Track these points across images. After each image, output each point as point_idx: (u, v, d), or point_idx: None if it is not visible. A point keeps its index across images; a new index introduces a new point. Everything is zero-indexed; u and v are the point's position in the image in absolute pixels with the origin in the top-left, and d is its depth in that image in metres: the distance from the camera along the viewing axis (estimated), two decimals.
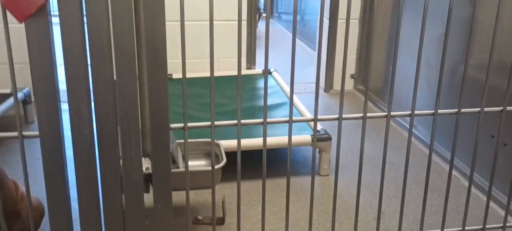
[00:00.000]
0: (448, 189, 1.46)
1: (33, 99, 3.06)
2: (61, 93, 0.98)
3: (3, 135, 1.01)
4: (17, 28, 1.75)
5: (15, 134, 1.00)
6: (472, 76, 2.41)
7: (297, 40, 5.71)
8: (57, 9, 0.93)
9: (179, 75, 3.44)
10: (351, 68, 3.83)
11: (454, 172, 2.59)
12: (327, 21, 3.71)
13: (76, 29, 0.94)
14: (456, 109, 1.30)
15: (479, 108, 1.32)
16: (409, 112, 1.29)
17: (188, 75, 3.39)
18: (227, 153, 2.21)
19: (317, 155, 2.59)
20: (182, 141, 2.22)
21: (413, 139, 2.99)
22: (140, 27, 1.11)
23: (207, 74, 3.40)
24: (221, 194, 2.26)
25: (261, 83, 3.45)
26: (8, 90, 2.90)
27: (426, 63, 2.86)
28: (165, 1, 0.99)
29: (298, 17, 5.83)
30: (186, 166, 1.12)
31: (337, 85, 3.84)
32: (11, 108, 2.74)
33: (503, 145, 2.21)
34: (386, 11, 3.41)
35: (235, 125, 1.13)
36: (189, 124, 1.07)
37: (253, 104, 3.05)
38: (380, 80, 3.57)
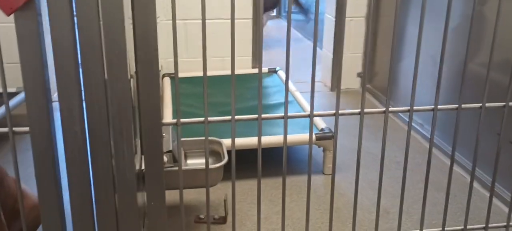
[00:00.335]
0: (449, 184, 1.44)
1: None
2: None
3: None
4: None
5: (5, 129, 0.99)
6: (480, 73, 2.37)
7: (304, 39, 5.69)
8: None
9: (184, 74, 3.43)
10: (357, 67, 3.80)
11: (460, 171, 2.55)
12: (333, 19, 3.68)
13: (65, 25, 0.92)
14: (456, 105, 1.27)
15: (481, 104, 1.29)
16: (408, 107, 1.26)
17: (191, 74, 3.38)
18: (229, 152, 2.20)
19: (321, 153, 2.57)
20: (186, 139, 2.23)
21: (419, 137, 2.95)
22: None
23: (211, 73, 3.39)
24: (223, 193, 2.25)
25: (266, 82, 3.43)
26: (13, 89, 2.92)
27: (434, 62, 2.83)
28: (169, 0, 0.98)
29: (306, 17, 5.81)
30: (180, 163, 1.10)
31: (344, 84, 3.81)
32: (16, 107, 2.76)
33: (509, 143, 2.18)
34: (393, 8, 3.37)
35: (229, 120, 1.11)
36: (182, 120, 1.06)
37: (255, 103, 3.03)
38: (387, 79, 3.53)
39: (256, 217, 2.14)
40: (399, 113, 1.80)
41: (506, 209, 2.20)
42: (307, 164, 2.59)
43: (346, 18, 3.63)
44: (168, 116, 2.71)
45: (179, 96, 3.02)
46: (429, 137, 2.82)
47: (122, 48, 0.96)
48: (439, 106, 1.24)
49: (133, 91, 2.95)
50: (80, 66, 0.96)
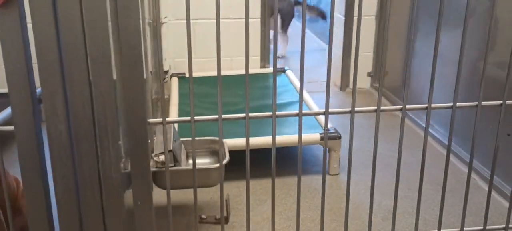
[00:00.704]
0: (444, 186, 1.40)
1: None
2: None
3: None
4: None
5: None
6: (494, 74, 2.32)
7: (314, 37, 5.65)
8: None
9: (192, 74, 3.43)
10: (367, 66, 3.76)
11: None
12: (342, 18, 3.65)
13: (47, 24, 0.92)
14: (476, 103, 1.21)
15: (501, 102, 1.23)
16: (426, 105, 1.21)
17: (198, 74, 3.38)
18: (233, 151, 2.19)
19: (327, 153, 2.53)
20: (188, 139, 2.23)
21: (429, 138, 2.90)
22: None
23: (215, 73, 3.38)
24: (225, 193, 2.23)
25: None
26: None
27: (449, 62, 2.78)
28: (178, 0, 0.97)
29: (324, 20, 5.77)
30: (167, 163, 1.09)
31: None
32: None
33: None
34: (404, 7, 3.33)
35: (216, 119, 1.10)
36: (168, 119, 1.05)
37: (263, 102, 3.01)
38: (397, 79, 3.49)
39: (259, 217, 2.13)
40: (408, 112, 1.76)
41: None
42: (313, 164, 2.58)
43: (356, 17, 3.59)
44: (173, 116, 2.71)
45: (184, 96, 3.02)
46: (440, 138, 2.79)
47: (106, 47, 0.95)
48: (458, 104, 1.18)
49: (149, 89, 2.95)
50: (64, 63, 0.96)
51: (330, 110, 1.17)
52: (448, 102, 1.23)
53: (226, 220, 2.09)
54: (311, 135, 2.42)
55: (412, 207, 2.21)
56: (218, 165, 1.97)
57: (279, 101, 3.04)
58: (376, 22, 3.64)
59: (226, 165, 1.99)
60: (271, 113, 1.12)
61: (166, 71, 3.51)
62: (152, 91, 3.00)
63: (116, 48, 0.99)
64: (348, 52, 3.71)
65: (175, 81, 3.32)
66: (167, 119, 1.03)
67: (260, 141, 2.34)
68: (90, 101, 0.98)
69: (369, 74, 3.78)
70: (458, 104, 1.19)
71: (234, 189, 2.33)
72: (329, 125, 2.53)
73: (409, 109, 1.20)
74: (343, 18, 3.64)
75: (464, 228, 1.35)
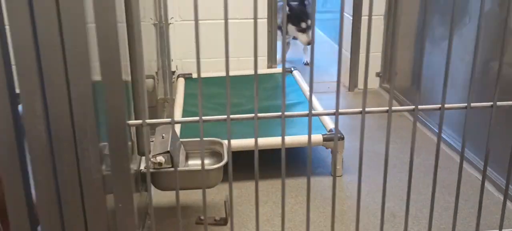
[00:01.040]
0: (457, 193, 1.37)
1: None
2: None
3: None
4: None
5: None
6: (504, 73, 2.27)
7: (323, 35, 5.61)
8: None
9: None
10: (376, 66, 3.71)
11: (475, 173, 2.45)
12: (350, 18, 3.61)
13: (24, 25, 0.92)
14: (491, 103, 1.17)
15: (491, 103, 1.19)
16: (439, 106, 1.17)
17: (204, 74, 3.38)
18: (235, 152, 2.17)
19: (330, 155, 2.51)
20: (188, 139, 2.22)
21: (435, 138, 2.85)
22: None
23: (224, 73, 3.37)
24: (224, 194, 2.22)
25: (280, 82, 3.39)
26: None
27: (457, 61, 2.73)
28: (188, 0, 0.96)
29: (330, 16, 5.73)
30: (148, 165, 1.08)
31: (361, 84, 3.73)
32: None
33: None
34: (413, 6, 3.28)
35: (197, 121, 1.08)
36: (148, 120, 1.04)
37: (270, 103, 2.99)
38: (406, 79, 3.44)
39: (259, 219, 2.11)
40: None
41: None
42: (315, 166, 2.55)
43: (363, 17, 3.55)
44: (177, 117, 2.70)
45: (189, 97, 3.02)
46: (447, 139, 2.73)
47: (84, 48, 0.94)
48: (472, 104, 1.14)
49: (155, 90, 2.94)
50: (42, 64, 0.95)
51: (340, 110, 1.13)
52: (456, 103, 1.18)
53: (225, 221, 2.08)
54: (314, 136, 2.39)
55: (417, 209, 2.17)
56: (216, 166, 1.96)
57: (285, 101, 3.02)
58: (384, 22, 3.59)
59: (225, 166, 1.98)
60: (280, 113, 1.10)
61: (173, 72, 3.52)
62: (157, 92, 3.00)
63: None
64: (356, 52, 3.67)
65: (181, 82, 3.32)
66: (146, 120, 1.02)
67: (262, 142, 2.32)
68: (68, 102, 0.97)
69: (377, 74, 3.72)
70: (472, 104, 1.14)
71: (235, 190, 2.31)
72: (332, 126, 2.50)
73: (422, 110, 1.16)
74: (351, 18, 3.60)
75: None
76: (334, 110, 1.14)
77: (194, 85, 3.29)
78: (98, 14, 0.94)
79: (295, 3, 4.25)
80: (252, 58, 3.54)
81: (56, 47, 0.94)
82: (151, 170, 1.91)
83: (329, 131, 2.47)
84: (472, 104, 1.14)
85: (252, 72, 3.47)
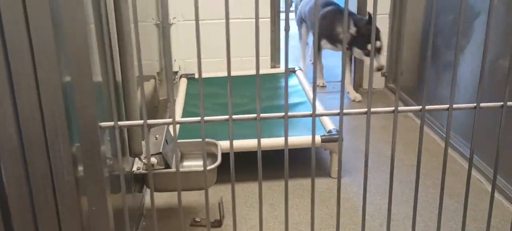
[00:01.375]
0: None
1: None
2: None
3: None
4: None
5: None
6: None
7: None
8: None
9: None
10: None
11: (477, 175, 2.40)
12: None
13: None
14: (501, 103, 1.12)
15: (502, 103, 1.13)
16: (447, 106, 1.12)
17: (207, 75, 3.37)
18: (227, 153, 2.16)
19: (328, 156, 2.48)
20: (182, 140, 2.21)
21: (438, 139, 2.80)
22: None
23: (226, 73, 3.36)
24: (218, 196, 2.20)
25: (283, 82, 3.37)
26: None
27: (461, 61, 2.68)
28: (190, 0, 0.94)
29: None
30: (121, 168, 1.07)
31: (366, 84, 3.69)
32: None
33: None
34: (418, 4, 3.23)
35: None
36: (120, 123, 1.02)
37: (272, 103, 2.97)
38: (410, 79, 3.39)
39: (253, 221, 2.09)
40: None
41: None
42: (315, 167, 2.51)
43: None
44: (177, 117, 2.69)
45: (191, 97, 3.01)
46: (450, 140, 2.67)
47: (52, 49, 0.93)
48: (481, 105, 1.10)
49: (157, 90, 2.92)
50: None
51: (344, 111, 1.09)
52: (462, 103, 1.13)
53: (220, 223, 2.06)
54: (310, 137, 2.36)
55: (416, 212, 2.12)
56: (209, 167, 1.94)
57: (283, 101, 2.99)
58: (389, 21, 3.55)
59: (219, 167, 1.96)
60: (282, 114, 1.07)
61: (176, 72, 3.52)
62: (159, 92, 3.00)
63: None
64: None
65: (183, 82, 3.31)
66: (118, 122, 1.01)
67: (255, 143, 2.29)
68: (38, 105, 0.96)
69: (383, 74, 3.68)
70: (481, 104, 1.10)
71: (231, 191, 2.29)
72: (331, 127, 2.47)
73: (429, 110, 1.11)
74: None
75: None
76: (338, 111, 1.09)
77: (196, 85, 3.28)
78: (66, 13, 0.93)
79: (358, 16, 3.40)
80: (255, 58, 3.52)
81: (24, 48, 0.93)
82: (144, 171, 1.90)
83: (328, 132, 2.44)
84: (482, 104, 1.09)
85: (254, 72, 3.45)
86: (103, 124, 1.01)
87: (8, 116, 0.96)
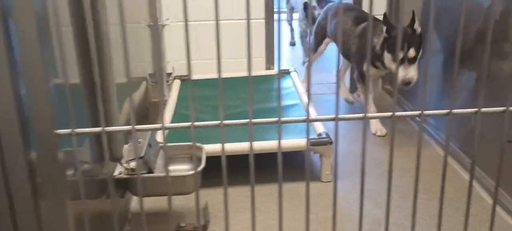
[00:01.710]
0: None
1: None
2: None
3: None
4: None
5: None
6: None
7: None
8: None
9: (194, 77, 3.39)
10: None
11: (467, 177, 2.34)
12: None
13: None
14: (504, 108, 1.07)
15: (504, 108, 1.09)
16: (447, 111, 1.08)
17: (201, 76, 3.34)
18: (217, 157, 2.12)
19: (318, 159, 2.44)
20: (169, 144, 2.18)
21: (433, 142, 2.76)
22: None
23: (222, 74, 3.32)
24: (204, 200, 2.17)
25: (277, 84, 3.33)
26: None
27: (448, 65, 2.63)
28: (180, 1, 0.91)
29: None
30: (80, 173, 1.04)
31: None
32: None
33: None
34: (415, 4, 3.18)
35: (129, 130, 1.03)
36: (77, 130, 0.99)
37: (265, 106, 2.93)
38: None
39: (239, 226, 2.05)
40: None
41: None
42: (303, 171, 2.47)
43: None
44: (166, 120, 2.66)
45: (183, 99, 2.98)
46: (442, 140, 2.63)
47: (1, 51, 0.90)
48: (482, 109, 1.05)
49: (148, 92, 2.88)
50: None
51: (340, 115, 1.05)
52: (457, 108, 1.08)
53: (204, 228, 2.03)
54: (300, 140, 2.33)
55: (403, 217, 2.08)
56: (193, 172, 1.91)
57: (277, 103, 2.96)
58: None
59: (203, 171, 1.93)
60: (276, 119, 1.04)
61: (170, 74, 3.49)
62: (152, 94, 2.97)
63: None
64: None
65: (176, 84, 3.28)
66: (75, 130, 0.98)
67: (246, 146, 2.26)
68: None
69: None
70: (483, 109, 1.05)
71: (219, 195, 2.26)
72: (321, 130, 2.43)
73: (429, 115, 1.07)
74: None
75: None
76: (334, 116, 1.05)
77: (188, 87, 3.25)
78: (17, 12, 0.90)
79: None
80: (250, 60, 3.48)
81: None
82: (125, 176, 1.87)
83: (318, 135, 2.40)
84: (483, 109, 1.04)
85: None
86: (60, 131, 0.98)
87: None
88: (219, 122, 1.03)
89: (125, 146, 1.96)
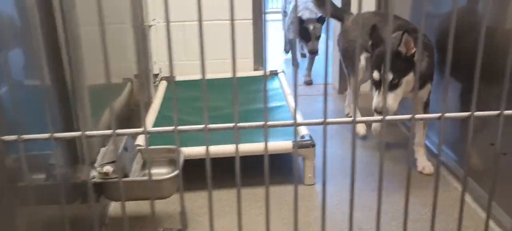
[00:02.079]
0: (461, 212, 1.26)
1: None
2: None
3: None
4: None
5: None
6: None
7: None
8: None
9: (181, 77, 3.35)
10: None
11: (455, 184, 2.31)
12: None
13: None
14: (498, 111, 1.03)
15: (499, 111, 1.04)
16: (439, 115, 1.03)
17: (188, 77, 3.30)
18: (196, 160, 2.09)
19: (301, 162, 2.40)
20: (154, 147, 2.14)
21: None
22: None
23: (210, 75, 3.29)
24: (184, 204, 2.13)
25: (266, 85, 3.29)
26: None
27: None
28: (170, 1, 0.87)
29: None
30: (29, 178, 1.00)
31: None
32: None
33: (502, 154, 1.93)
34: (404, 4, 3.14)
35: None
36: (24, 136, 0.95)
37: (252, 107, 2.89)
38: None
39: None
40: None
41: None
42: (287, 174, 2.43)
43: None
44: (148, 123, 2.62)
45: (167, 100, 2.94)
46: (431, 146, 2.58)
47: None
48: (476, 113, 1.01)
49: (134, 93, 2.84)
50: None
51: (328, 120, 1.01)
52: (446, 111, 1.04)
53: None
54: (283, 143, 2.29)
55: (385, 222, 2.04)
56: (169, 175, 1.88)
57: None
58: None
59: (184, 174, 1.89)
60: (262, 123, 1.00)
61: (156, 75, 3.45)
62: (137, 96, 2.94)
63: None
64: None
65: (163, 85, 3.25)
66: (22, 136, 0.94)
67: (228, 149, 2.22)
68: None
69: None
70: (476, 113, 1.01)
71: (199, 199, 2.22)
72: (305, 132, 2.40)
73: (420, 119, 1.03)
74: None
75: None
76: (322, 120, 1.01)
77: (177, 88, 3.22)
78: None
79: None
80: (238, 60, 3.45)
81: None
82: (99, 180, 1.83)
83: (301, 138, 2.36)
84: (476, 113, 1.00)
85: (237, 74, 3.38)
86: (6, 137, 0.94)
87: None
88: (203, 126, 0.99)
89: (102, 149, 1.92)
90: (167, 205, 2.17)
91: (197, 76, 3.34)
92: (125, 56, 2.78)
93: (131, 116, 2.81)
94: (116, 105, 2.39)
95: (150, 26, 3.32)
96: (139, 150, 2.05)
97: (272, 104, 2.90)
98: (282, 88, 3.13)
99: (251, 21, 3.41)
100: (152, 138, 2.40)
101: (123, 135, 0.95)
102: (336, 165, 2.53)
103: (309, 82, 3.97)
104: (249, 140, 2.32)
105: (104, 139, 1.98)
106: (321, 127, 1.01)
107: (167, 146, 2.06)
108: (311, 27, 3.72)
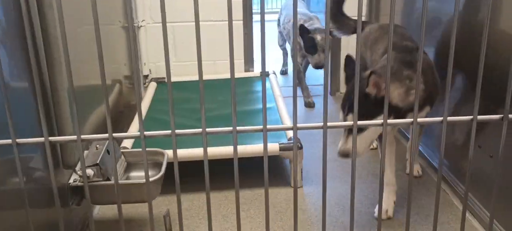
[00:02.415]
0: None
1: None
2: None
3: None
4: None
5: None
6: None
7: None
8: None
9: (172, 79, 3.33)
10: None
11: (442, 185, 2.29)
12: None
13: None
14: (501, 115, 1.01)
15: (501, 115, 1.02)
16: (441, 118, 1.01)
17: (179, 78, 3.28)
18: (181, 163, 2.06)
19: (288, 165, 2.38)
20: (128, 150, 2.12)
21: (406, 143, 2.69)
22: None
23: (198, 77, 3.27)
24: (165, 208, 2.10)
25: (256, 86, 3.27)
26: None
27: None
28: (159, 2, 0.86)
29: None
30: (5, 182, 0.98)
31: (343, 88, 3.58)
32: None
33: (489, 157, 1.91)
34: (396, 7, 3.12)
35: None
36: (19, 140, 0.93)
37: (244, 108, 2.87)
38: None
39: None
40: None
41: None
42: (272, 176, 2.40)
43: None
44: (135, 126, 2.58)
45: (157, 103, 2.92)
46: (424, 152, 2.56)
47: None
48: (479, 117, 0.99)
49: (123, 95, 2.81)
50: None
51: (298, 125, 0.99)
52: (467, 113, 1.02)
53: None
54: (270, 145, 2.27)
55: (372, 225, 2.02)
56: (152, 179, 1.85)
57: (255, 106, 2.90)
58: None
59: (166, 177, 1.87)
60: (261, 127, 0.98)
61: (146, 76, 3.43)
62: (127, 97, 2.91)
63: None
64: (337, 55, 3.53)
65: (152, 87, 3.22)
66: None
67: (213, 151, 2.20)
68: None
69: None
70: (479, 117, 0.98)
71: (184, 202, 2.20)
72: (292, 134, 2.37)
73: (421, 123, 1.01)
74: None
75: None
76: (321, 124, 0.99)
77: (166, 90, 3.19)
78: None
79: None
80: (228, 62, 3.43)
81: None
82: (80, 184, 1.81)
83: (288, 139, 2.34)
84: (479, 117, 0.98)
85: (228, 76, 3.36)
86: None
87: None
88: (201, 130, 0.97)
89: (85, 152, 1.90)
90: (144, 209, 2.15)
91: (187, 77, 3.31)
92: (113, 57, 2.76)
93: (118, 119, 2.78)
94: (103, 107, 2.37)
95: (139, 27, 3.30)
96: (123, 152, 2.03)
97: (260, 106, 2.88)
98: (272, 90, 3.11)
99: (241, 22, 3.39)
100: (135, 140, 2.38)
101: (119, 138, 0.93)
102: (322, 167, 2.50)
103: (312, 105, 3.50)
104: (227, 143, 2.27)
105: (87, 142, 1.96)
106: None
107: (152, 148, 2.04)
108: (318, 37, 3.25)
